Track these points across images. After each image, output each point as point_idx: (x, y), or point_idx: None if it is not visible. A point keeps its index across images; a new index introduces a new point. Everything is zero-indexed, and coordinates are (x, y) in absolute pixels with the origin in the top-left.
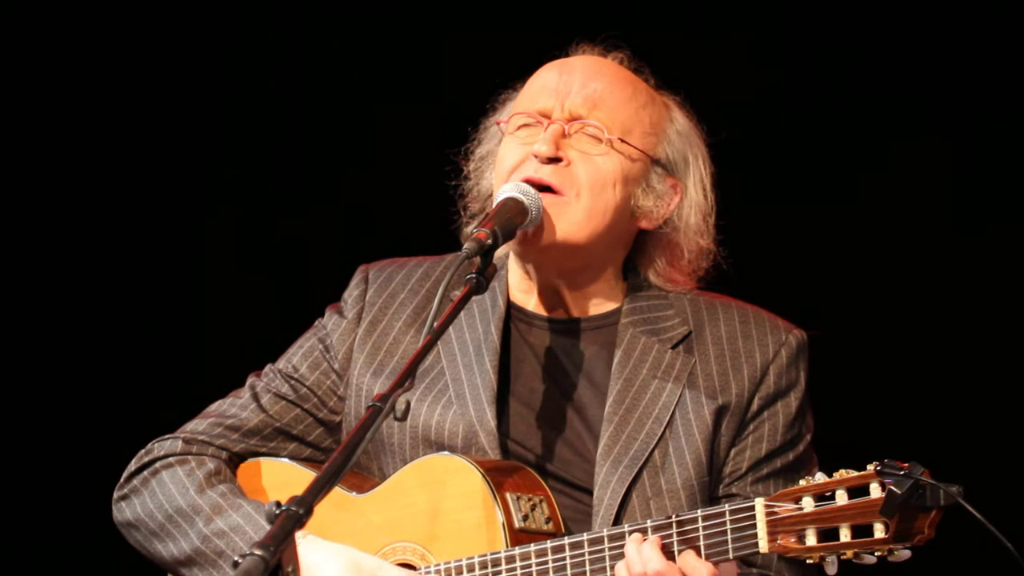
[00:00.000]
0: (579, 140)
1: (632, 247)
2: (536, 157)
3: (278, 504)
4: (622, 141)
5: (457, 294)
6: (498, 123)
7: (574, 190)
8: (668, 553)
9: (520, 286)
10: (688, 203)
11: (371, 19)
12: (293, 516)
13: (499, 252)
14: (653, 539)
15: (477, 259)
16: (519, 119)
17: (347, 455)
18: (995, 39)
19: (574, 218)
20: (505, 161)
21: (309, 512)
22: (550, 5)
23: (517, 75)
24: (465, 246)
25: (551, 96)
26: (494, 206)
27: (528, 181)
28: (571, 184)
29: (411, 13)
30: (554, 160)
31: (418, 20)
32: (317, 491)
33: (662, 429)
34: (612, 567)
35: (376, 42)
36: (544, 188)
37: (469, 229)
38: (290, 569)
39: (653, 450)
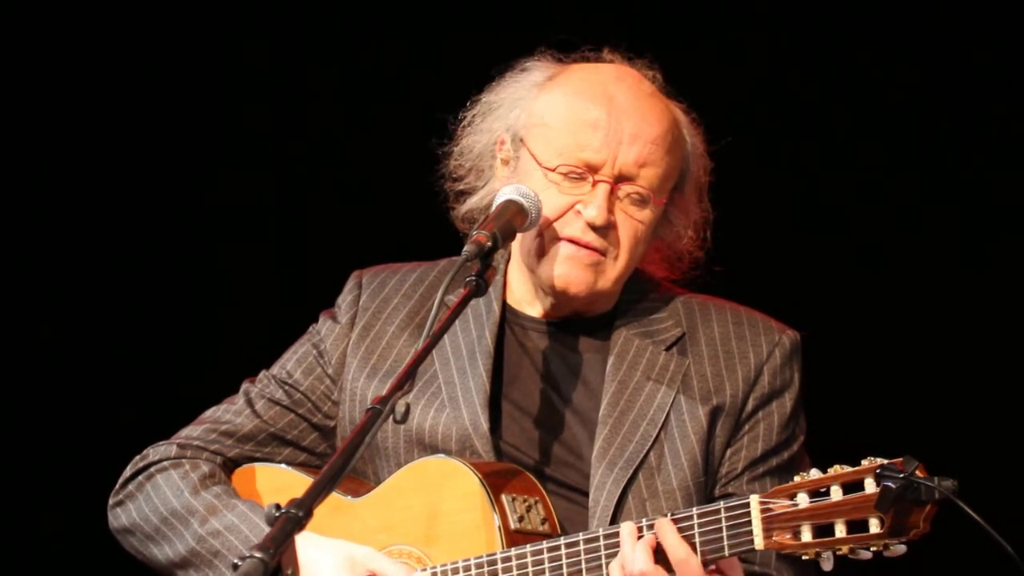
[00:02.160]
0: (625, 202)
1: None
2: (589, 224)
3: (277, 506)
4: (662, 202)
5: (453, 298)
6: (537, 161)
7: (614, 253)
8: (662, 551)
9: (524, 298)
10: (686, 213)
11: (371, 20)
12: (293, 518)
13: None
14: (648, 538)
15: (476, 262)
16: (564, 168)
17: (346, 458)
18: (996, 38)
19: (610, 276)
20: (545, 209)
21: (309, 514)
22: (552, 5)
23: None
24: (464, 249)
25: (601, 146)
26: (493, 208)
27: (574, 242)
28: (613, 247)
29: (411, 14)
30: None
31: (418, 20)
32: (316, 494)
33: (657, 431)
34: (608, 566)
35: (376, 42)
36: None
37: (459, 211)
38: (290, 572)
39: (648, 452)
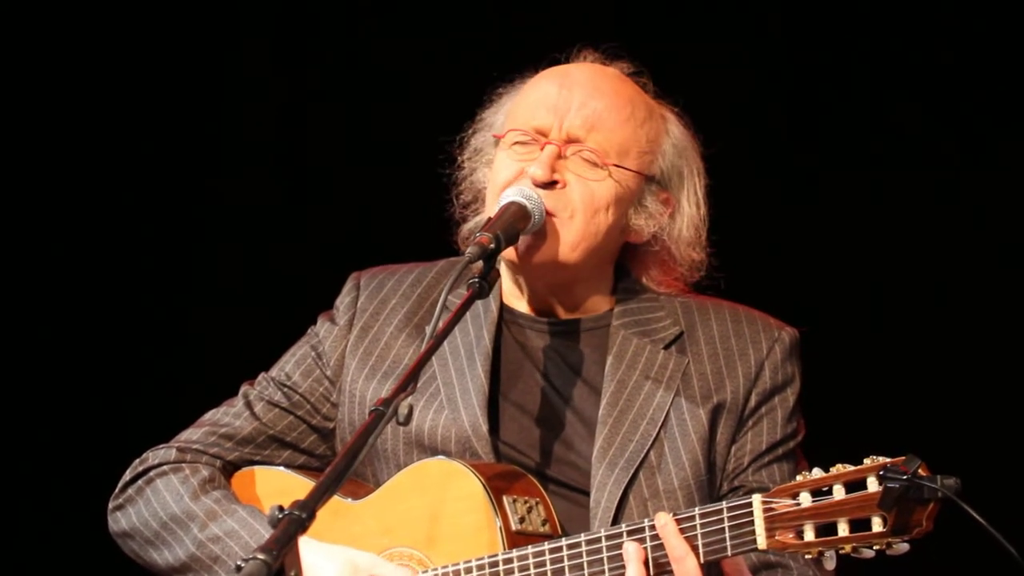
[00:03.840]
0: (575, 163)
1: (623, 253)
2: (532, 180)
3: (280, 508)
4: (618, 167)
5: (456, 300)
6: (495, 136)
7: (567, 212)
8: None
9: (512, 292)
10: (681, 216)
11: (371, 19)
12: (296, 520)
13: None
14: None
15: (479, 263)
16: (515, 135)
17: (350, 459)
18: (997, 40)
19: (566, 240)
20: (499, 175)
21: (312, 516)
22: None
23: (515, 70)
24: (467, 251)
25: (549, 113)
26: (496, 210)
27: None
28: (564, 207)
29: (411, 13)
30: (549, 183)
31: (418, 19)
32: (320, 495)
33: (657, 430)
34: (609, 567)
35: (376, 41)
36: None
37: (466, 226)
38: (293, 573)
39: (649, 451)
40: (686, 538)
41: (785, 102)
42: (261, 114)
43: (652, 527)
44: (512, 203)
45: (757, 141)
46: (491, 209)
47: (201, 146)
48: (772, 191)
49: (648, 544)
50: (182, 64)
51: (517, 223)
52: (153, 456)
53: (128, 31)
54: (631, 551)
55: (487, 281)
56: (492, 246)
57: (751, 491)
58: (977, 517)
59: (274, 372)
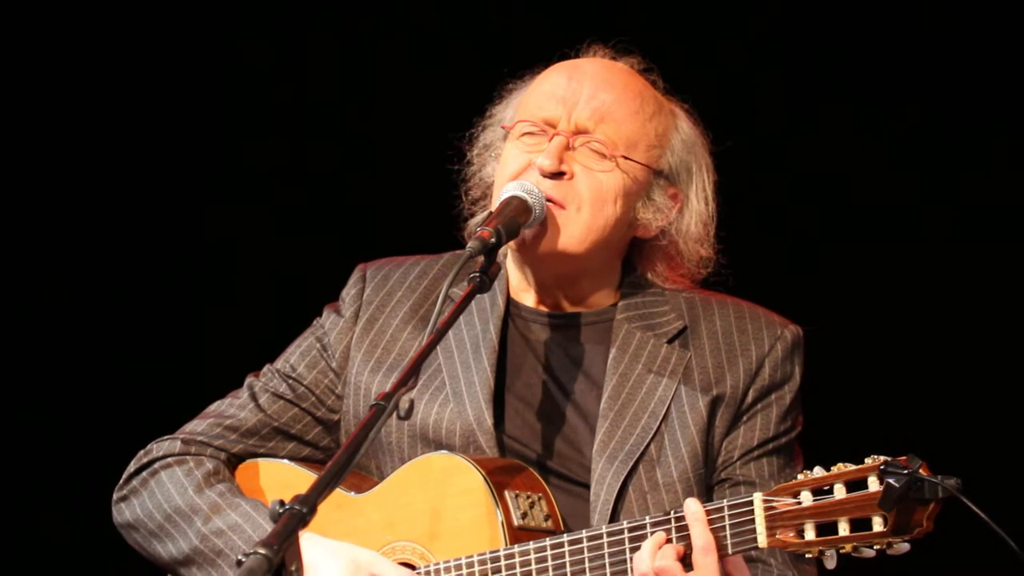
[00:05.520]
0: (583, 154)
1: (631, 249)
2: (539, 171)
3: (282, 503)
4: (626, 158)
5: (458, 292)
6: (504, 127)
7: (575, 203)
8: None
9: (519, 285)
10: (689, 212)
11: (373, 16)
12: (296, 515)
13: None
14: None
15: (481, 258)
16: (524, 126)
17: (350, 454)
18: (997, 40)
19: (573, 231)
20: (508, 166)
21: (313, 511)
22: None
23: (525, 65)
24: (469, 245)
25: (558, 105)
26: (498, 205)
27: None
28: (572, 198)
29: (414, 10)
30: (556, 174)
31: (420, 17)
32: (321, 490)
33: (657, 424)
34: (611, 563)
35: (378, 40)
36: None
37: (473, 221)
38: (293, 568)
39: (649, 445)
40: (687, 534)
41: (787, 101)
42: (262, 111)
43: (654, 524)
44: (513, 197)
45: (758, 140)
46: (496, 201)
47: (202, 140)
48: (775, 190)
49: (674, 536)
50: (184, 63)
51: (518, 217)
52: (157, 448)
53: (130, 27)
54: (693, 510)
55: (488, 275)
56: (493, 240)
57: (738, 484)
58: (980, 514)
59: (279, 364)
